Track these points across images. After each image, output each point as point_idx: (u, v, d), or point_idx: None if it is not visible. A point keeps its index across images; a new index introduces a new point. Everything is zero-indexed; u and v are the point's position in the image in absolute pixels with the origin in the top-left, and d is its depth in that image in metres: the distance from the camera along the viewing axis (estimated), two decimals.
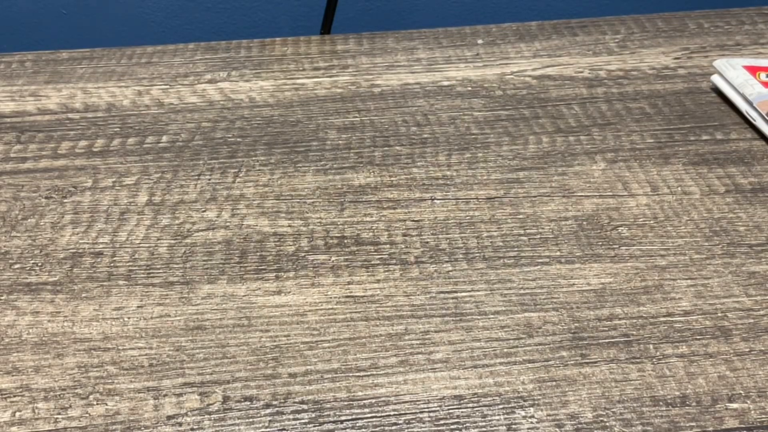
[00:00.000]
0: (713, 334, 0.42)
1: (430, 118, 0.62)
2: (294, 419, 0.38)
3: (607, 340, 0.42)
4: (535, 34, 0.74)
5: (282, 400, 0.39)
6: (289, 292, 0.46)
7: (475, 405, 0.39)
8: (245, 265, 0.48)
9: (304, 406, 0.39)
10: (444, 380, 0.40)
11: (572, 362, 0.41)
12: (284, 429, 0.38)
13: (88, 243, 0.50)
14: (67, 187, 0.54)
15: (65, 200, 0.53)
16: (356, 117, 0.62)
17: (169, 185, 0.54)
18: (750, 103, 0.60)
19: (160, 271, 0.47)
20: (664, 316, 0.43)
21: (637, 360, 0.41)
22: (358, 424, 0.38)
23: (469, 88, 0.66)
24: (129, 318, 0.44)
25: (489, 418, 0.38)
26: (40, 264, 0.48)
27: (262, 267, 0.47)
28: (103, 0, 0.90)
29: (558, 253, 0.48)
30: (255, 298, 0.45)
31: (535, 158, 0.56)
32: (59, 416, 0.39)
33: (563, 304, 0.44)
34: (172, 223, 0.51)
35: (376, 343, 0.42)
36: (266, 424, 0.38)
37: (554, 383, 0.40)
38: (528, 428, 0.37)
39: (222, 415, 0.39)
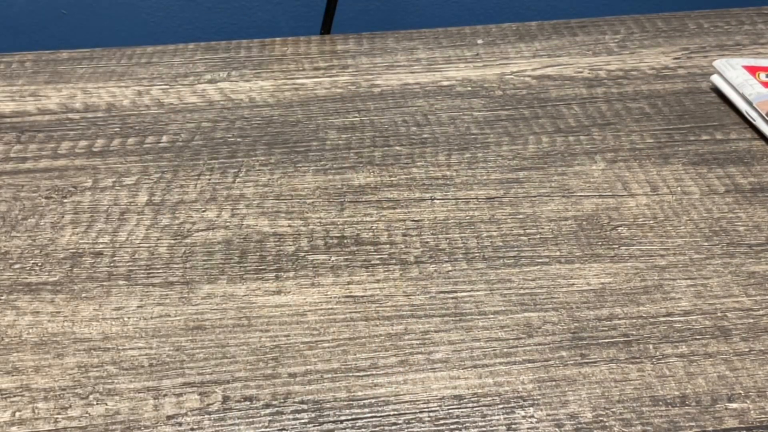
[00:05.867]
0: (713, 334, 0.42)
1: (430, 118, 0.62)
2: (294, 419, 0.38)
3: (606, 340, 0.42)
4: (535, 34, 0.74)
5: (282, 400, 0.39)
6: (289, 292, 0.46)
7: (475, 405, 0.39)
8: (245, 265, 0.48)
9: (304, 406, 0.39)
10: (444, 380, 0.40)
11: (572, 362, 0.41)
12: (284, 429, 0.38)
13: (88, 243, 0.50)
14: (67, 187, 0.55)
15: (65, 200, 0.53)
16: (356, 117, 0.62)
17: (169, 185, 0.54)
18: (750, 103, 0.60)
19: (160, 271, 0.47)
20: (663, 316, 0.43)
21: (637, 360, 0.41)
22: (357, 424, 0.38)
23: (469, 88, 0.66)
24: (129, 318, 0.44)
25: (489, 418, 0.38)
26: (40, 264, 0.48)
27: (262, 267, 0.47)
28: (103, 0, 0.90)
29: (558, 253, 0.48)
30: (255, 298, 0.45)
31: (534, 158, 0.56)
32: (59, 416, 0.39)
33: (563, 304, 0.44)
34: (172, 223, 0.51)
35: (375, 343, 0.42)
36: (266, 424, 0.38)
37: (554, 383, 0.40)
38: (528, 428, 0.37)
39: (222, 415, 0.39)
